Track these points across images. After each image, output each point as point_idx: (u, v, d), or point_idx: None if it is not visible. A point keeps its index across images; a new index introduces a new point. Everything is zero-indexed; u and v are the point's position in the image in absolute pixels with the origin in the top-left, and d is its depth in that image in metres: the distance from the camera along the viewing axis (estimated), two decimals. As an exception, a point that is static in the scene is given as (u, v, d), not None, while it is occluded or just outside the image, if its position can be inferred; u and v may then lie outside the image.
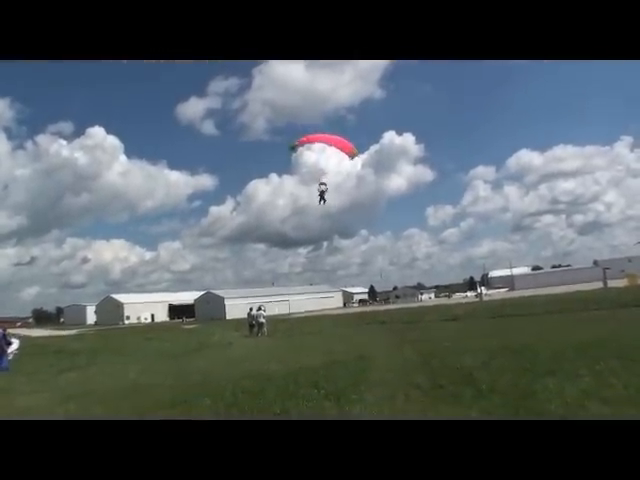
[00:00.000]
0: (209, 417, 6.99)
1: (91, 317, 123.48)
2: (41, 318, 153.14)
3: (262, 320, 29.24)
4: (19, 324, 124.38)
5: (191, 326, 57.48)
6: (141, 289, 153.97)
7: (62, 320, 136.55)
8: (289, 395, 9.73)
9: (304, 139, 21.65)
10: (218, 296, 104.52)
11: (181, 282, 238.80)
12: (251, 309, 31.30)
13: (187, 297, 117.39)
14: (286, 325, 39.24)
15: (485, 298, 60.00)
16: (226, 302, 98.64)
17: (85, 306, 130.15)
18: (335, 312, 66.40)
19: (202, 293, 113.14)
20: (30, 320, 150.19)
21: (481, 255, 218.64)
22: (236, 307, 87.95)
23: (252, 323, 29.89)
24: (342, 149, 22.54)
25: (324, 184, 27.07)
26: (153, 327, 63.90)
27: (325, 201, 28.28)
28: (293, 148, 22.00)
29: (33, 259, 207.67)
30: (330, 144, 22.24)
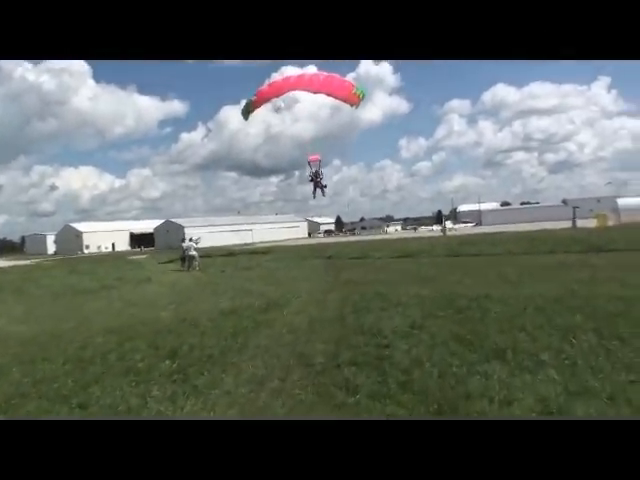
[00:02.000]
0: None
1: (52, 247, 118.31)
2: (5, 248, 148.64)
3: (192, 253, 25.99)
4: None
5: (139, 256, 53.47)
6: (111, 217, 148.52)
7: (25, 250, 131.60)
8: (124, 370, 6.99)
9: (265, 90, 15.70)
10: (178, 225, 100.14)
11: (151, 210, 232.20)
12: (183, 240, 28.00)
13: (149, 226, 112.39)
14: (227, 259, 35.42)
15: (450, 233, 57.21)
16: (186, 231, 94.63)
17: (45, 235, 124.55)
18: (293, 243, 62.48)
19: (162, 222, 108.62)
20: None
21: (452, 189, 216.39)
22: (196, 235, 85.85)
23: (183, 256, 26.63)
24: (334, 94, 18.17)
25: (315, 161, 22.98)
26: (96, 258, 59.33)
27: (324, 189, 24.09)
28: (248, 111, 16.95)
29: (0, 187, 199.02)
30: (314, 91, 17.74)
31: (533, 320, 7.97)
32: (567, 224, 48.96)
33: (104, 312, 13.43)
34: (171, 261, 33.16)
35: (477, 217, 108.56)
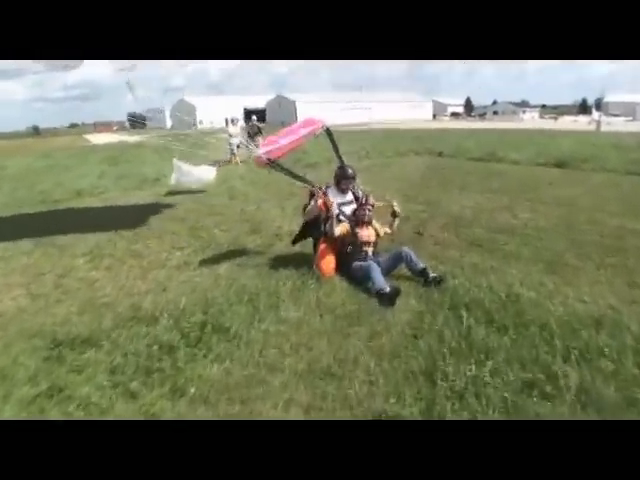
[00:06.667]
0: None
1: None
2: (136, 122, 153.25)
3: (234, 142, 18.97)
4: (115, 128, 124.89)
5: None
6: (241, 91, 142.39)
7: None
8: None
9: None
10: (289, 100, 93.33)
11: (277, 86, 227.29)
12: (233, 122, 20.43)
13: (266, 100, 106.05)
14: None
15: (604, 128, 42.56)
16: (298, 106, 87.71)
17: (164, 110, 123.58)
18: (409, 126, 51.10)
19: (273, 97, 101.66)
20: (126, 124, 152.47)
21: (599, 76, 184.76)
22: (309, 113, 79.74)
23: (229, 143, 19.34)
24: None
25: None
26: (190, 135, 54.80)
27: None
28: None
29: (134, 64, 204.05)
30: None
31: None
32: None
33: None
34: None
35: (631, 110, 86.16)
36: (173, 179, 12.91)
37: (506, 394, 3.27)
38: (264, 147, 6.13)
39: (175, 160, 12.93)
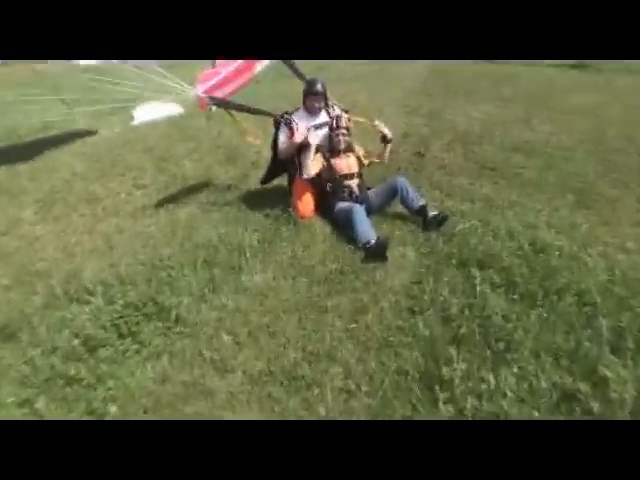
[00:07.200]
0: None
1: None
2: None
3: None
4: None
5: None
6: None
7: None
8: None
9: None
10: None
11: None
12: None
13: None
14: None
15: None
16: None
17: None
18: None
19: None
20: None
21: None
22: None
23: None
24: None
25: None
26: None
27: None
28: None
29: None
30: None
31: None
32: None
33: None
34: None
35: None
36: (135, 120, 11.55)
37: (536, 414, 2.31)
38: (202, 85, 4.86)
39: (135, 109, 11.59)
